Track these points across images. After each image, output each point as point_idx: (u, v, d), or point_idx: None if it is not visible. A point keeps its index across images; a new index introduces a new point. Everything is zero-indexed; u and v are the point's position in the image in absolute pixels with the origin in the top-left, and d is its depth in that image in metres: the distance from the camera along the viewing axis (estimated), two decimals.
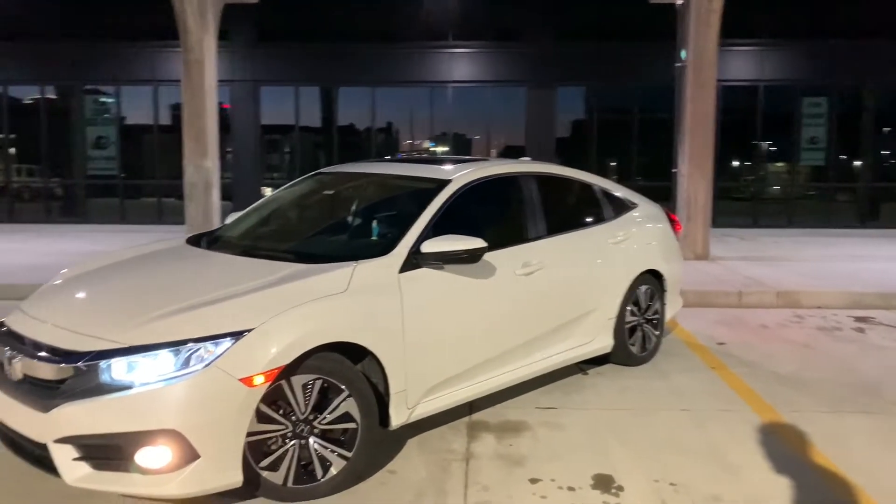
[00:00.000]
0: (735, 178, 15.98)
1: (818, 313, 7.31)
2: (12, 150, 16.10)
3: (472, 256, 3.76)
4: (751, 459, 3.77)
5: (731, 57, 14.41)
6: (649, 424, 4.25)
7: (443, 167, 4.50)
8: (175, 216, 13.57)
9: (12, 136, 15.94)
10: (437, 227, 3.89)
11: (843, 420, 4.34)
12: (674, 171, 10.52)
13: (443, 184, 4.18)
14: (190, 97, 10.01)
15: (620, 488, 3.44)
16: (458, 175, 4.29)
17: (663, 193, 10.73)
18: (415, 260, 3.73)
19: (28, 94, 15.96)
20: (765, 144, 15.65)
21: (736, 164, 15.94)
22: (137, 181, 15.85)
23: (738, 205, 15.70)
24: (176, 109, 14.86)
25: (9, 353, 3.22)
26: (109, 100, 15.67)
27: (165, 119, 15.67)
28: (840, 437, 4.08)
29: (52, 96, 16.06)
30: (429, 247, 3.72)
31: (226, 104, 15.03)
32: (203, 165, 10.09)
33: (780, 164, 16.06)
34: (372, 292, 3.51)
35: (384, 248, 3.76)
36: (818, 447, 3.92)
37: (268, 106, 15.69)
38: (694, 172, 10.02)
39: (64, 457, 2.95)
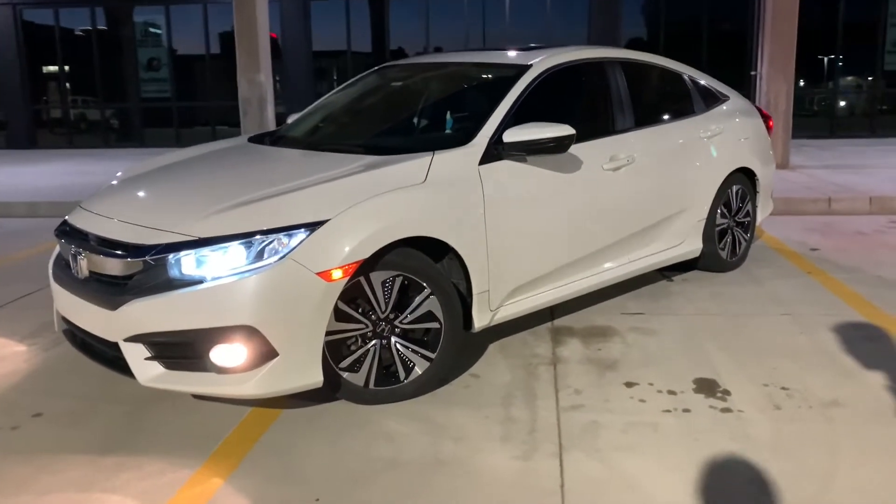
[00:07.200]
0: (812, 85, 14.97)
1: None
2: (68, 79, 16.07)
3: (560, 145, 3.41)
4: (868, 363, 3.43)
5: None
6: (748, 329, 3.92)
7: (521, 53, 4.13)
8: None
9: (66, 67, 15.87)
10: (516, 118, 3.55)
11: None
12: (752, 73, 9.83)
13: (522, 69, 3.80)
14: (241, 10, 9.68)
15: (727, 392, 3.15)
16: (539, 60, 3.90)
17: None
18: (496, 150, 3.41)
19: (78, 20, 15.76)
20: (844, 48, 14.54)
21: (811, 70, 14.91)
22: (191, 103, 15.70)
23: (815, 116, 14.76)
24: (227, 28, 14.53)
25: (73, 249, 3.06)
26: (159, 22, 15.40)
27: (215, 40, 15.37)
28: None
29: (102, 23, 15.83)
30: (511, 136, 3.38)
31: (273, 33, 14.63)
32: (256, 80, 9.82)
33: (861, 71, 14.96)
34: (451, 185, 3.22)
35: (462, 138, 3.44)
36: None
37: (318, 28, 15.22)
38: (775, 74, 9.32)
39: (136, 356, 2.80)
